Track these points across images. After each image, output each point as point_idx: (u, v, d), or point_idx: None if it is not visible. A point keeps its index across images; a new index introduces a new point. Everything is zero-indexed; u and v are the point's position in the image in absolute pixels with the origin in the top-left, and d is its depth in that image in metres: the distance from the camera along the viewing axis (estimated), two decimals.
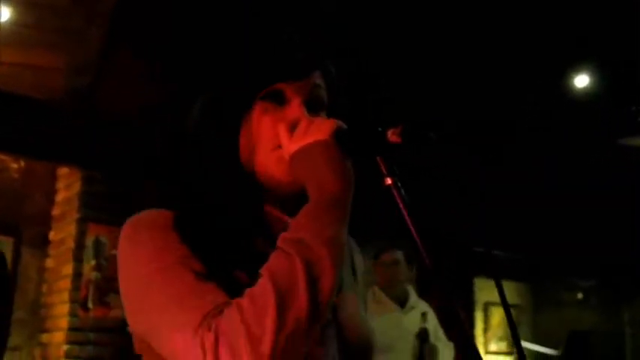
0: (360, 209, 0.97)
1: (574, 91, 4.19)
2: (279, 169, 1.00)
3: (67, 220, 4.41)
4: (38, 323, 4.49)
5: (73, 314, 4.15)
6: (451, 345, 3.56)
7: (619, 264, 7.40)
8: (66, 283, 4.24)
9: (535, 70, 3.94)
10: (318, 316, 0.84)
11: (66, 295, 4.20)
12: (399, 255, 3.60)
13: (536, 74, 3.98)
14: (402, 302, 3.61)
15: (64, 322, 4.18)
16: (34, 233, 4.65)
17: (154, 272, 0.90)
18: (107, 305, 4.18)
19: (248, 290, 0.84)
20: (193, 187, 1.02)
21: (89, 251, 4.22)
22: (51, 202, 4.64)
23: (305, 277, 0.83)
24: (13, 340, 3.36)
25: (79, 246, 4.22)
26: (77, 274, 4.20)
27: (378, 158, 0.95)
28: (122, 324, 0.99)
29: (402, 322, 3.53)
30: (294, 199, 0.99)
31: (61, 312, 4.25)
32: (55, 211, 4.61)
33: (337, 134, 0.96)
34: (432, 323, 3.53)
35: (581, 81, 4.14)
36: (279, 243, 0.88)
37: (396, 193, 0.93)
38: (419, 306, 3.61)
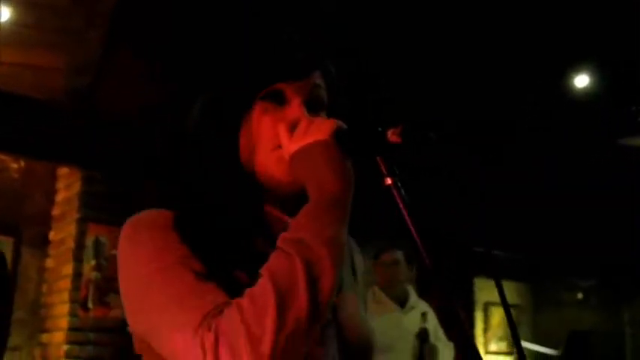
0: (360, 209, 0.97)
1: (574, 91, 4.19)
2: (279, 169, 1.00)
3: (67, 220, 4.41)
4: (38, 323, 4.49)
5: (73, 314, 4.15)
6: (451, 345, 3.56)
7: (619, 264, 7.40)
8: (66, 283, 4.24)
9: (535, 70, 3.94)
10: (318, 316, 0.84)
11: (66, 295, 4.21)
12: (399, 255, 3.60)
13: (536, 74, 3.98)
14: (402, 302, 3.61)
15: (64, 322, 4.18)
16: (34, 233, 4.65)
17: (154, 272, 0.90)
18: (107, 305, 4.18)
19: (248, 290, 0.84)
20: (193, 187, 1.02)
21: (89, 251, 4.22)
22: (51, 202, 4.64)
23: (305, 277, 0.83)
24: (13, 340, 3.37)
25: (79, 246, 4.22)
26: (77, 274, 4.20)
27: (378, 158, 0.95)
28: (122, 324, 0.99)
29: (402, 322, 3.53)
30: (294, 199, 0.99)
31: (61, 312, 4.25)
32: (55, 211, 4.62)
33: (337, 134, 0.96)
34: (432, 323, 3.53)
35: (581, 81, 4.14)
36: (279, 243, 0.88)
37: (396, 193, 0.93)
38: (419, 306, 3.61)
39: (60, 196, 4.60)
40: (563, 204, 5.69)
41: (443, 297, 0.90)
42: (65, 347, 4.11)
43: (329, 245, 0.87)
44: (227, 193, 1.00)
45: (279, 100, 1.02)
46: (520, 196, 5.54)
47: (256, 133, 1.02)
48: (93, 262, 4.22)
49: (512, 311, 1.02)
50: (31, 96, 4.09)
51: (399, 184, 0.93)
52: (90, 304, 4.18)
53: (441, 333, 3.59)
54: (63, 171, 4.58)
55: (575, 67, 4.05)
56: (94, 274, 4.21)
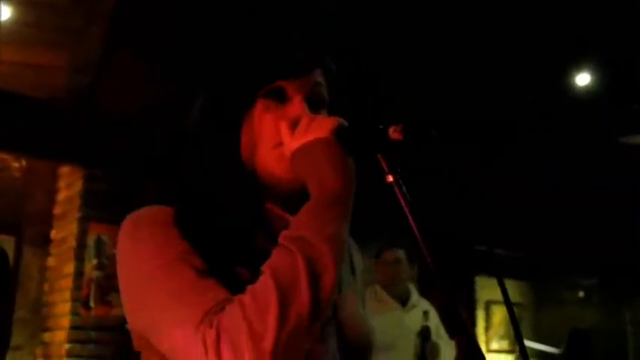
0: (360, 208, 0.97)
1: (575, 90, 4.19)
2: (280, 167, 1.00)
3: (68, 219, 4.41)
4: (40, 322, 4.49)
5: (74, 313, 4.15)
6: (453, 344, 3.56)
7: (620, 262, 7.40)
8: (67, 282, 4.24)
9: (536, 68, 3.93)
10: (320, 312, 0.84)
11: (67, 294, 4.21)
12: (401, 253, 3.59)
13: (537, 72, 3.97)
14: (403, 301, 3.61)
15: (65, 321, 4.18)
16: (36, 232, 4.65)
17: (155, 269, 0.90)
18: (108, 304, 4.18)
19: (250, 287, 0.84)
20: (194, 185, 1.02)
21: (90, 250, 4.23)
22: (52, 201, 4.65)
23: (307, 274, 0.83)
24: (15, 339, 3.37)
25: (81, 245, 4.22)
26: (79, 273, 4.20)
27: (379, 155, 0.95)
28: (122, 321, 0.99)
29: (403, 320, 3.53)
30: (295, 197, 1.00)
31: (62, 311, 4.25)
32: (57, 210, 4.62)
33: (338, 132, 0.96)
34: (434, 322, 3.53)
35: (583, 79, 4.14)
36: (280, 240, 0.88)
37: (397, 191, 0.93)
38: (420, 304, 3.61)
39: (61, 195, 4.60)
40: (565, 202, 5.69)
41: (444, 295, 0.90)
42: (67, 346, 4.12)
43: (330, 242, 0.87)
44: (227, 191, 1.00)
45: (280, 98, 1.02)
46: (521, 194, 5.53)
47: (257, 131, 1.02)
48: (94, 261, 4.23)
49: (514, 310, 1.01)
50: (32, 95, 4.09)
51: (401, 182, 0.93)
52: (91, 303, 4.18)
53: (442, 331, 3.59)
54: (64, 170, 4.58)
55: (577, 65, 4.04)
56: (95, 273, 4.22)
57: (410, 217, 0.91)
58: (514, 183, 5.35)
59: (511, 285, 8.18)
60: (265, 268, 0.86)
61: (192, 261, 0.89)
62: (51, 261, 4.58)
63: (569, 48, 3.79)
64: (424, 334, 3.43)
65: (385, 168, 0.94)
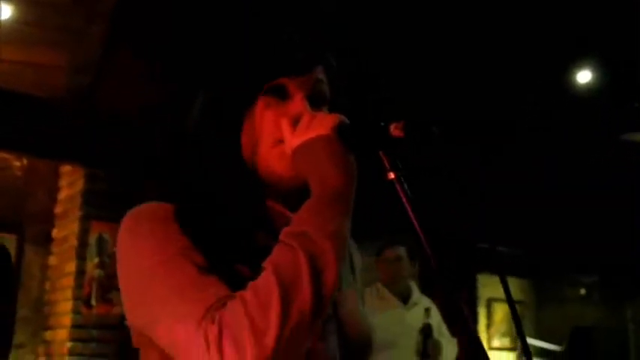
0: (361, 206, 0.97)
1: (576, 87, 4.18)
2: (281, 165, 1.00)
3: (69, 218, 4.42)
4: (41, 321, 4.50)
5: (76, 311, 4.16)
6: (454, 341, 3.56)
7: (621, 260, 7.39)
8: (69, 281, 4.25)
9: (537, 66, 3.93)
10: (322, 309, 0.84)
11: (69, 293, 4.21)
12: (402, 251, 3.59)
13: (538, 70, 3.97)
14: (404, 298, 3.61)
15: (67, 320, 4.19)
16: (37, 231, 4.65)
17: (156, 264, 0.90)
18: (110, 302, 4.19)
19: (251, 283, 0.84)
20: (194, 183, 1.02)
21: (92, 249, 4.23)
22: (54, 199, 4.65)
23: (309, 270, 0.83)
24: (17, 337, 3.37)
25: (82, 244, 4.23)
26: (80, 272, 4.20)
27: (380, 153, 0.95)
28: (124, 319, 0.99)
29: (405, 318, 3.53)
30: (296, 195, 1.00)
31: (64, 309, 4.26)
32: (58, 209, 4.62)
33: (340, 129, 0.96)
34: (436, 319, 3.53)
35: (584, 77, 4.13)
36: (281, 237, 0.88)
37: (399, 188, 0.93)
38: (422, 302, 3.61)
39: (63, 194, 4.61)
40: (566, 200, 5.69)
41: (446, 293, 0.90)
42: (68, 344, 4.12)
43: (332, 239, 0.87)
44: (228, 189, 1.00)
45: (281, 95, 1.02)
46: (522, 192, 5.53)
47: (259, 129, 1.02)
48: (96, 260, 4.23)
49: (516, 307, 1.01)
50: (33, 94, 4.09)
51: (402, 179, 0.93)
52: (93, 302, 4.19)
53: (444, 329, 3.59)
54: (65, 169, 4.59)
55: (578, 63, 4.04)
56: (96, 272, 4.22)
57: (411, 215, 0.91)
58: (515, 181, 5.34)
59: (512, 283, 8.16)
60: (267, 264, 0.85)
61: (193, 257, 0.89)
62: (52, 260, 4.58)
63: (570, 46, 3.78)
64: (426, 331, 3.43)
65: (386, 165, 0.94)
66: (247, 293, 0.83)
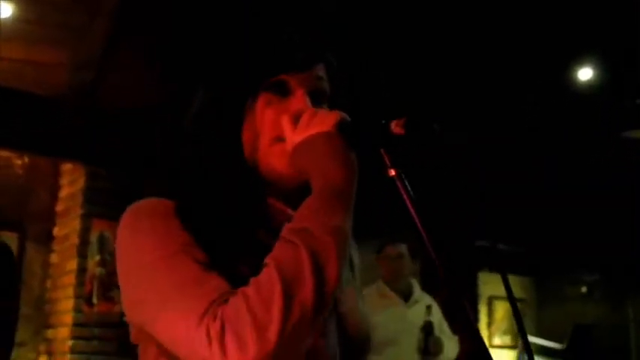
0: (362, 203, 0.97)
1: (577, 85, 4.18)
2: (282, 162, 1.00)
3: (71, 216, 4.42)
4: (43, 319, 4.50)
5: (77, 310, 4.16)
6: (456, 338, 3.57)
7: (623, 259, 7.39)
8: (70, 279, 4.25)
9: (538, 64, 3.92)
10: (324, 304, 0.84)
11: (70, 291, 4.22)
12: (403, 248, 3.60)
13: (539, 68, 3.96)
14: (406, 296, 3.62)
15: (68, 318, 4.19)
16: (39, 229, 4.66)
17: (157, 260, 0.89)
18: (111, 300, 4.19)
19: (253, 279, 0.84)
20: (194, 180, 1.01)
21: (93, 247, 4.24)
22: (55, 198, 4.65)
23: (310, 265, 0.83)
24: (18, 335, 3.37)
25: (84, 242, 4.23)
26: (81, 270, 4.21)
27: (381, 150, 0.95)
28: (124, 316, 0.99)
29: (406, 315, 3.53)
30: (297, 192, 1.00)
31: (65, 307, 4.26)
32: (59, 207, 4.62)
33: (341, 126, 0.96)
34: (437, 316, 3.54)
35: (585, 74, 4.12)
36: (283, 233, 0.88)
37: (400, 185, 0.93)
38: (423, 299, 3.61)
39: (64, 192, 4.61)
40: (567, 198, 5.68)
41: (448, 290, 0.90)
42: (70, 342, 4.13)
43: (334, 235, 0.87)
44: (228, 186, 1.00)
45: (282, 92, 1.03)
46: (524, 190, 5.53)
47: (260, 125, 1.02)
48: (97, 258, 4.23)
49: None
50: (34, 92, 4.10)
51: (403, 176, 0.93)
52: (94, 300, 4.19)
53: (445, 326, 3.59)
54: (67, 167, 4.59)
55: (579, 60, 4.03)
56: (98, 270, 4.22)
57: (413, 212, 0.91)
58: (516, 178, 5.34)
59: (514, 281, 8.17)
60: (269, 260, 0.85)
61: (194, 253, 0.89)
62: (54, 258, 4.59)
63: (571, 43, 3.78)
64: (427, 328, 3.43)
65: (387, 162, 0.94)
66: (249, 289, 0.83)
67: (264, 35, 1.06)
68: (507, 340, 8.12)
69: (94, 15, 3.30)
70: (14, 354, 3.27)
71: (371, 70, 3.71)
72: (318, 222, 0.88)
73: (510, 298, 0.99)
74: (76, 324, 4.15)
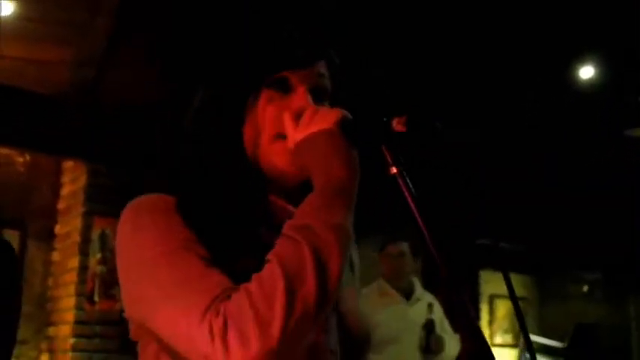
0: (364, 201, 0.97)
1: (579, 83, 4.17)
2: (283, 159, 1.00)
3: (72, 214, 4.42)
4: (44, 317, 4.50)
5: (79, 307, 4.17)
6: (457, 337, 3.57)
7: (625, 258, 7.39)
8: (72, 277, 4.25)
9: (540, 62, 3.92)
10: (326, 301, 0.84)
11: (72, 289, 4.22)
12: (405, 247, 3.60)
13: (541, 66, 3.96)
14: (407, 294, 3.62)
15: (70, 316, 4.19)
16: (40, 227, 4.66)
17: (158, 256, 0.89)
18: (113, 298, 4.19)
19: (255, 275, 0.84)
20: (195, 177, 1.01)
21: (95, 244, 4.24)
22: (56, 195, 4.66)
23: (313, 262, 0.83)
24: (20, 333, 3.37)
25: (85, 239, 4.23)
26: (83, 268, 4.21)
27: (383, 147, 0.95)
28: (124, 313, 0.99)
29: (407, 313, 3.53)
30: (298, 189, 1.00)
31: (67, 305, 4.27)
32: (61, 205, 4.63)
33: (342, 123, 0.96)
34: (438, 314, 3.54)
35: (586, 72, 4.12)
36: (285, 230, 0.88)
37: (401, 182, 0.93)
38: (424, 298, 3.61)
39: (65, 190, 4.61)
40: (569, 197, 5.68)
41: (450, 288, 0.90)
42: (72, 340, 4.13)
43: (336, 231, 0.87)
44: (229, 182, 1.00)
45: (284, 88, 1.03)
46: (525, 188, 5.53)
47: (261, 122, 1.02)
48: (99, 256, 4.24)
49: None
50: (36, 90, 4.10)
51: (405, 174, 0.93)
52: (96, 297, 4.20)
53: (446, 324, 3.59)
54: (68, 164, 4.59)
55: (581, 58, 4.02)
56: (99, 268, 4.23)
57: (414, 210, 0.91)
58: (518, 177, 5.34)
59: (515, 279, 8.08)
60: (271, 256, 0.85)
61: (195, 249, 0.89)
62: (55, 255, 4.59)
63: (573, 41, 3.77)
64: (428, 327, 3.43)
65: (389, 160, 0.94)
66: (252, 285, 0.83)
67: (264, 32, 1.06)
68: (509, 338, 8.12)
69: (95, 13, 3.30)
70: (16, 352, 3.27)
71: (371, 68, 3.71)
72: (320, 219, 0.88)
73: (512, 296, 0.99)
74: (78, 322, 4.15)
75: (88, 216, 4.25)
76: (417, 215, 0.91)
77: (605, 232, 6.36)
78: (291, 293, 0.81)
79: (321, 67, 1.05)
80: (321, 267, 0.84)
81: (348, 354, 1.05)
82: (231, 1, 3.17)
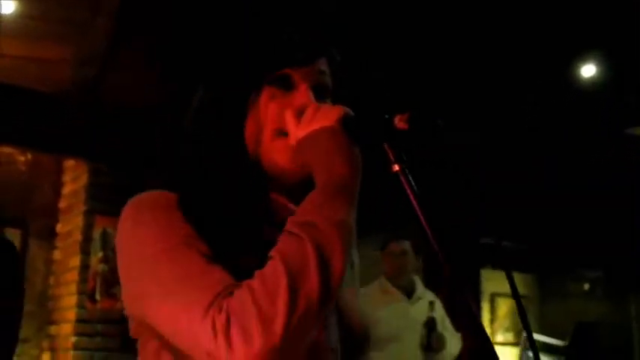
0: (365, 200, 0.97)
1: (580, 81, 4.17)
2: (284, 157, 1.01)
3: (74, 213, 4.43)
4: (46, 315, 4.51)
5: (80, 306, 4.17)
6: (458, 335, 3.57)
7: (625, 256, 7.38)
8: (73, 275, 4.26)
9: (541, 60, 3.91)
10: (329, 297, 0.84)
11: (73, 287, 4.22)
12: (407, 245, 3.60)
13: (542, 64, 3.95)
14: (409, 292, 3.62)
15: (71, 314, 4.20)
16: (42, 225, 4.67)
17: (160, 252, 0.89)
18: (114, 297, 4.20)
19: (258, 272, 0.84)
20: (196, 174, 1.01)
21: (96, 243, 4.24)
22: (58, 194, 4.66)
23: (316, 258, 0.83)
24: (22, 332, 3.38)
25: (86, 238, 4.23)
26: (84, 266, 4.21)
27: (385, 145, 0.95)
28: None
29: (409, 312, 3.53)
30: (300, 187, 1.00)
31: (68, 304, 4.27)
32: (62, 204, 4.63)
33: (344, 121, 0.96)
34: (440, 313, 3.54)
35: (588, 71, 4.12)
36: (287, 226, 0.88)
37: (403, 180, 0.93)
38: (426, 296, 3.61)
39: (67, 189, 4.61)
40: (570, 195, 5.67)
41: (452, 285, 0.89)
42: (73, 339, 4.13)
43: (338, 228, 0.87)
44: (229, 180, 1.00)
45: (286, 86, 1.03)
46: (526, 187, 5.52)
47: (263, 119, 1.02)
48: (100, 254, 4.24)
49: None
50: (37, 89, 4.10)
51: (407, 171, 0.93)
52: (97, 296, 4.20)
53: (448, 322, 3.59)
54: (69, 163, 4.59)
55: (582, 56, 4.02)
56: (101, 266, 4.23)
57: (416, 207, 0.91)
58: (519, 175, 5.34)
59: (516, 277, 8.07)
60: (274, 253, 0.85)
61: (196, 245, 0.89)
62: (57, 254, 4.59)
63: (575, 39, 3.77)
64: (430, 325, 3.43)
65: (391, 157, 0.94)
66: (254, 282, 0.83)
67: (266, 30, 1.06)
68: (510, 337, 8.11)
69: (96, 12, 3.30)
70: (18, 350, 3.28)
71: (371, 70, 3.70)
72: (323, 216, 0.88)
73: (515, 295, 0.99)
74: (79, 320, 4.16)
75: (90, 214, 4.25)
76: (419, 213, 0.91)
77: (606, 230, 6.36)
78: (293, 290, 0.81)
79: (322, 65, 1.05)
80: (324, 264, 0.84)
81: (349, 352, 1.05)
82: (230, 3, 3.17)
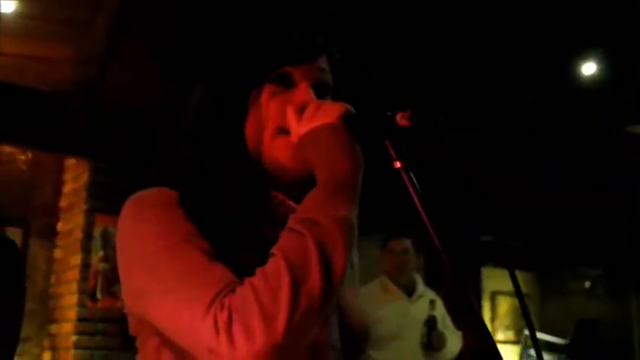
0: (366, 198, 0.97)
1: (581, 79, 4.17)
2: (285, 155, 1.00)
3: (74, 211, 4.43)
4: (47, 314, 4.51)
5: (81, 305, 4.17)
6: (459, 333, 3.57)
7: (626, 254, 7.38)
8: (74, 274, 4.26)
9: (542, 58, 3.91)
10: (331, 294, 0.84)
11: (74, 286, 4.23)
12: (408, 243, 3.60)
13: (542, 62, 3.95)
14: (409, 291, 3.61)
15: (72, 313, 4.20)
16: (42, 224, 4.67)
17: (161, 250, 0.89)
18: (115, 295, 4.20)
19: (260, 269, 0.84)
20: (198, 172, 1.01)
21: (97, 242, 4.24)
22: (58, 193, 4.66)
23: (317, 255, 0.83)
24: (23, 331, 3.39)
25: (87, 237, 4.24)
26: (85, 265, 4.22)
27: (386, 142, 0.95)
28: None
29: (409, 310, 3.53)
30: (301, 185, 1.00)
31: (69, 303, 4.27)
32: (63, 203, 4.63)
33: (346, 118, 0.96)
34: (440, 311, 3.54)
35: (588, 69, 4.11)
36: (289, 223, 0.88)
37: (405, 177, 0.93)
38: (427, 294, 3.61)
39: (67, 188, 4.62)
40: (570, 193, 5.67)
41: (454, 283, 0.89)
42: (74, 338, 4.14)
43: (340, 225, 0.87)
44: (231, 178, 1.00)
45: (287, 84, 1.02)
46: (527, 185, 5.52)
47: (265, 117, 1.02)
48: (101, 253, 4.24)
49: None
50: (37, 88, 4.10)
51: (408, 168, 0.93)
52: (98, 295, 4.20)
53: (448, 321, 3.59)
54: (70, 162, 4.60)
55: (582, 54, 4.02)
56: (101, 265, 4.23)
57: (418, 204, 0.91)
58: (519, 173, 5.33)
59: (516, 275, 8.15)
60: (275, 250, 0.85)
61: (197, 243, 0.89)
62: (57, 253, 4.60)
63: (575, 37, 3.76)
64: (430, 323, 3.43)
65: (393, 154, 0.94)
66: (256, 279, 0.83)
67: (265, 30, 1.06)
68: (510, 335, 8.11)
69: (96, 11, 3.30)
70: (18, 349, 3.28)
71: (371, 70, 3.70)
72: (324, 212, 0.87)
73: (518, 293, 0.98)
74: (80, 319, 4.16)
75: (90, 213, 4.26)
76: (421, 210, 0.91)
77: (607, 227, 6.36)
78: (296, 287, 0.81)
79: (323, 63, 1.05)
80: (325, 260, 0.83)
81: (349, 350, 1.05)
82: (232, 2, 3.17)
